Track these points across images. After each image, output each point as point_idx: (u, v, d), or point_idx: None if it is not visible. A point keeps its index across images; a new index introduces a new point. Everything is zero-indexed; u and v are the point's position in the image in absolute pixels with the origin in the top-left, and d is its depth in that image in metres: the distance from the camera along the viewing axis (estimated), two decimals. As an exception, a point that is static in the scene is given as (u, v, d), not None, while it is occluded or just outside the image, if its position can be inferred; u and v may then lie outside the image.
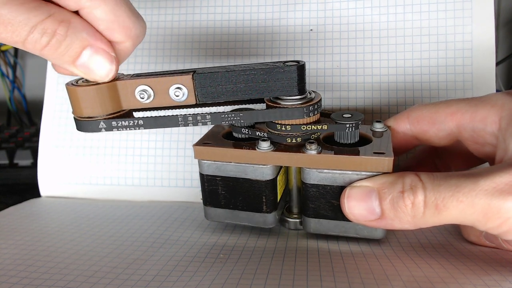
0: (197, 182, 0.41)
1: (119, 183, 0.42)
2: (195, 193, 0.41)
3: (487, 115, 0.28)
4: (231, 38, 0.42)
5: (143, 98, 0.27)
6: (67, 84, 0.26)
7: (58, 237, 0.31)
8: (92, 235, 0.32)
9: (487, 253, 0.28)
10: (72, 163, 0.42)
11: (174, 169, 0.41)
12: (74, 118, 0.27)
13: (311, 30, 0.41)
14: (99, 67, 0.25)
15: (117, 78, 0.27)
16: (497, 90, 0.57)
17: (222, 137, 0.32)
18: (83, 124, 0.27)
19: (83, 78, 0.26)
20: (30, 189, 0.43)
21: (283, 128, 0.29)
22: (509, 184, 0.23)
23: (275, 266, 0.26)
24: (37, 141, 0.44)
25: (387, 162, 0.27)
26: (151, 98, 0.27)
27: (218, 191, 0.30)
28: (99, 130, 0.27)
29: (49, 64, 0.44)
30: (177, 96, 0.27)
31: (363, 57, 0.40)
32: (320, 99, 0.29)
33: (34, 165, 0.43)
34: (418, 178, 0.25)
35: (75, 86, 0.26)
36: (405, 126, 0.32)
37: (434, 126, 0.30)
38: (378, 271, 0.26)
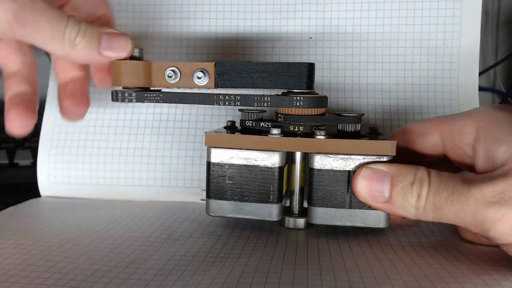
0: (197, 182, 0.41)
1: (118, 183, 0.42)
2: (195, 193, 0.40)
3: (464, 126, 0.29)
4: (233, 44, 0.42)
5: (170, 77, 0.31)
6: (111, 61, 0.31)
7: (58, 237, 0.31)
8: (91, 235, 0.32)
9: (487, 252, 0.28)
10: (71, 163, 0.42)
11: (174, 169, 0.41)
12: (112, 92, 0.32)
13: (310, 38, 0.41)
14: (119, 45, 0.30)
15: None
16: (497, 91, 0.58)
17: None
18: (117, 94, 0.32)
19: None
20: (30, 189, 0.43)
21: (287, 117, 0.31)
22: (494, 194, 0.25)
23: (275, 265, 0.26)
24: (37, 141, 0.44)
25: (390, 144, 0.29)
26: (177, 79, 0.31)
27: (225, 181, 0.31)
28: (130, 100, 0.32)
29: (52, 64, 0.44)
30: (199, 78, 0.31)
31: (359, 66, 0.41)
32: (325, 97, 0.32)
33: (34, 165, 0.43)
34: (427, 173, 0.27)
35: (119, 60, 0.31)
36: (399, 140, 0.32)
37: (420, 137, 0.32)
38: (378, 270, 0.26)
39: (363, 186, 0.28)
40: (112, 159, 0.42)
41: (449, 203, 0.25)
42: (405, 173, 0.27)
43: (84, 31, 0.29)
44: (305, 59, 0.41)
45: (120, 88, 0.32)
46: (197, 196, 0.40)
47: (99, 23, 0.34)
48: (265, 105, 0.31)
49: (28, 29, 0.27)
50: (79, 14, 0.32)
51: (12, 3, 0.26)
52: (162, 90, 0.32)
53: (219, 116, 0.42)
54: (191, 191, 0.41)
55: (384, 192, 0.27)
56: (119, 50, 0.30)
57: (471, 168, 0.30)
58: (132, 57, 0.32)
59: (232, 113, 0.41)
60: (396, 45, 0.41)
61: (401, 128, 0.34)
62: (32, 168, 0.44)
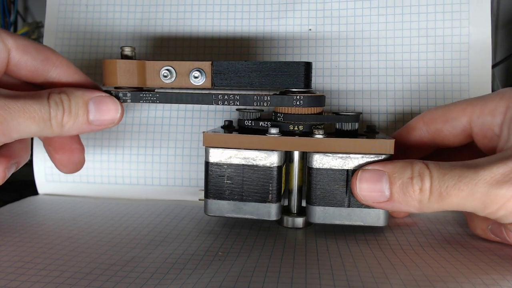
0: (195, 181, 0.41)
1: (116, 182, 0.41)
2: (193, 192, 0.41)
3: (496, 107, 0.29)
4: (230, 37, 0.42)
5: (166, 77, 0.30)
6: (104, 60, 0.31)
7: (55, 234, 0.31)
8: (90, 233, 0.32)
9: (485, 252, 0.28)
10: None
11: (172, 168, 0.41)
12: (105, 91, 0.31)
13: (310, 29, 0.41)
14: (108, 109, 0.29)
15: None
16: (494, 91, 0.57)
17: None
18: (111, 94, 0.30)
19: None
20: (27, 187, 0.43)
21: (284, 117, 0.31)
22: (505, 174, 0.25)
23: (274, 264, 0.26)
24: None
25: (389, 143, 0.29)
26: (173, 79, 0.31)
27: (223, 181, 0.31)
28: (125, 100, 0.31)
29: None
30: (196, 78, 0.30)
31: (361, 57, 0.40)
32: (323, 96, 0.31)
33: (31, 162, 0.43)
34: (425, 166, 0.26)
35: (115, 59, 0.31)
36: (421, 129, 0.32)
37: (448, 124, 0.31)
38: (377, 270, 0.26)
39: (362, 189, 0.28)
40: (109, 158, 0.42)
41: (457, 190, 0.25)
42: (401, 169, 0.27)
43: (68, 107, 0.27)
44: (304, 52, 0.41)
45: (113, 88, 0.31)
46: (195, 194, 0.40)
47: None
48: (265, 104, 0.31)
49: (15, 133, 0.26)
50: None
51: None
52: (157, 90, 0.32)
53: (215, 112, 0.41)
54: (189, 189, 0.41)
55: (384, 191, 0.27)
56: (110, 114, 0.29)
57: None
58: (124, 56, 0.31)
59: (230, 110, 0.41)
60: (400, 36, 0.40)
61: (419, 116, 0.33)
62: (30, 165, 0.44)
